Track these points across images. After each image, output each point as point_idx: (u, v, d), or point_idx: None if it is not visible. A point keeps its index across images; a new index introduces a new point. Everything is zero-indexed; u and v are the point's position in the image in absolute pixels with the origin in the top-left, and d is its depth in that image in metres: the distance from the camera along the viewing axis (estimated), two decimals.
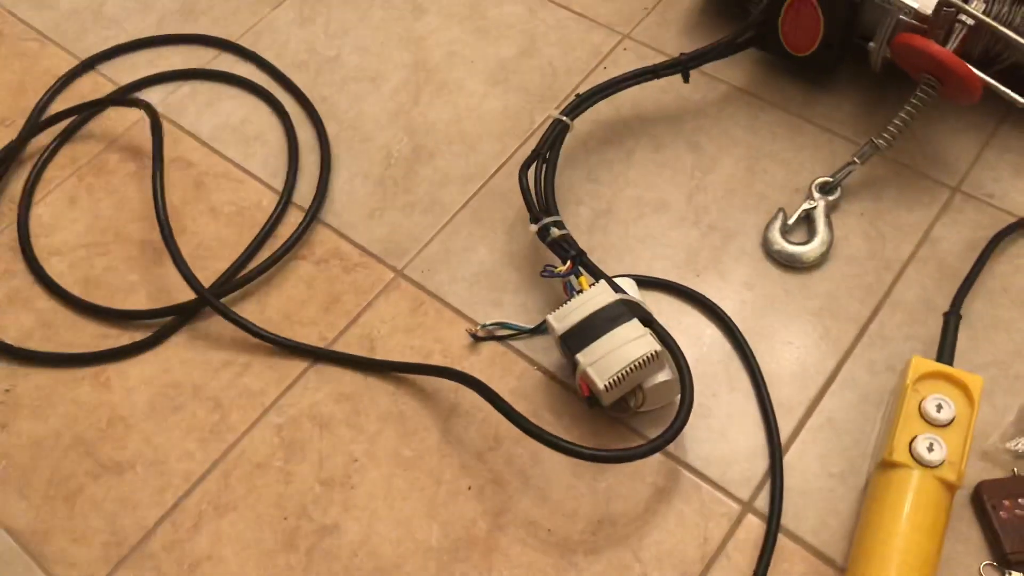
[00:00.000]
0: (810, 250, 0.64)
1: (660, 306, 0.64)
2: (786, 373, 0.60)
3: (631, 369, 0.54)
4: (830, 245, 0.64)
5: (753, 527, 0.55)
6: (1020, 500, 0.53)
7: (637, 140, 0.72)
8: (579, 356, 0.56)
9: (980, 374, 0.58)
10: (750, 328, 0.62)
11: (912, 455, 0.52)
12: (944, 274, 0.63)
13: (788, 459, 0.57)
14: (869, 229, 0.66)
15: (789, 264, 0.64)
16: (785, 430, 0.58)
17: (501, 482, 0.57)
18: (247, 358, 0.63)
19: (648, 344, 0.55)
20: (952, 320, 0.58)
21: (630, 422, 0.59)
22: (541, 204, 0.64)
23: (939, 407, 0.53)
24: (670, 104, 0.74)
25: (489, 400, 0.56)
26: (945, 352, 0.57)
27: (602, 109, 0.73)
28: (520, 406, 0.60)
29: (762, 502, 0.56)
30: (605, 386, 0.54)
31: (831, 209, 0.66)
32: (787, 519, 0.55)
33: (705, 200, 0.68)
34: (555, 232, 0.61)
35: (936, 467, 0.51)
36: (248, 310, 0.65)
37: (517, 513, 0.56)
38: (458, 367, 0.61)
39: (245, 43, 0.81)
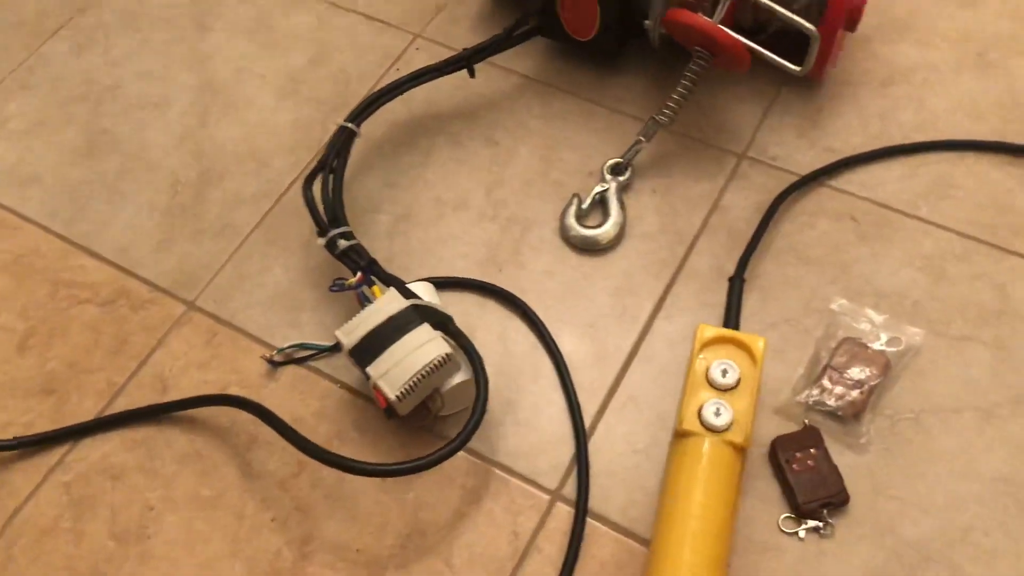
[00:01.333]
0: (604, 232, 0.64)
1: (463, 305, 0.63)
2: (588, 356, 0.60)
3: (422, 376, 0.53)
4: (623, 225, 0.65)
5: (563, 515, 0.55)
6: (811, 451, 0.54)
7: (433, 140, 0.71)
8: (369, 369, 0.54)
9: (772, 332, 0.60)
10: (552, 316, 0.62)
11: (701, 422, 0.52)
12: (735, 240, 0.64)
13: (594, 442, 0.57)
14: (661, 204, 0.66)
15: (586, 248, 0.65)
16: (590, 412, 0.58)
17: (306, 508, 0.55)
18: (30, 416, 0.60)
19: (438, 348, 0.54)
20: (736, 284, 0.59)
21: (436, 428, 0.58)
22: (330, 216, 0.62)
23: (724, 372, 0.53)
24: (465, 100, 0.73)
25: (262, 418, 0.54)
26: (731, 317, 0.58)
27: (397, 111, 0.72)
28: (323, 427, 0.58)
29: (571, 489, 0.55)
30: (397, 396, 0.53)
31: (623, 189, 0.67)
32: (595, 502, 0.55)
33: (504, 194, 0.68)
34: (343, 243, 0.60)
35: (724, 431, 0.52)
36: (27, 364, 0.62)
37: (324, 538, 0.54)
38: (256, 396, 0.59)
39: (15, 81, 0.77)
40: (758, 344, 0.54)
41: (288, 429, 0.53)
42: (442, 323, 0.56)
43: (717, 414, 0.52)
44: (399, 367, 0.53)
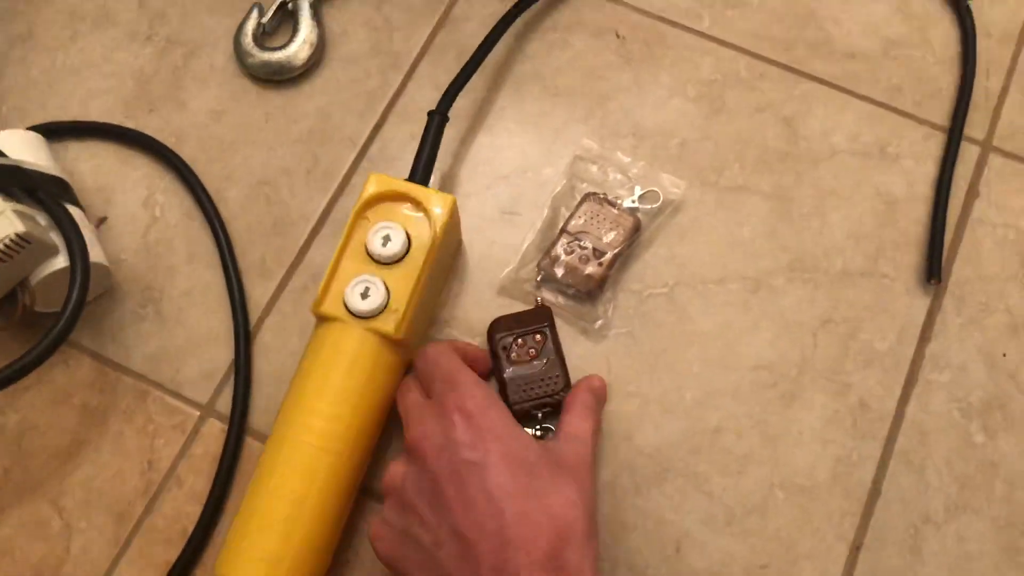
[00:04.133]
0: (291, 55, 0.48)
1: (97, 160, 0.47)
2: (262, 224, 0.46)
3: None
4: (318, 44, 0.49)
5: (215, 436, 0.42)
6: (536, 337, 0.43)
7: None
8: None
9: (502, 186, 0.46)
10: (217, 172, 0.46)
11: (345, 304, 0.39)
12: None
13: (262, 338, 0.44)
14: (373, 16, 0.50)
15: (270, 77, 0.48)
16: (259, 301, 0.44)
17: None
18: None
19: (6, 226, 0.39)
20: (434, 121, 0.43)
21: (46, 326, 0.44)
22: None
23: (385, 240, 0.39)
24: None
25: None
26: (419, 166, 0.42)
27: None
28: None
29: (227, 402, 0.43)
30: None
31: None
32: (259, 416, 0.42)
33: (162, 4, 0.50)
34: None
35: (373, 317, 0.38)
36: None
37: None
38: None
39: None
40: (439, 202, 0.40)
41: None
42: (31, 189, 0.41)
43: (365, 295, 0.38)
44: None
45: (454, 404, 0.35)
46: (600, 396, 0.41)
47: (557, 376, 0.42)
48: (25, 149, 0.43)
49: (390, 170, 0.47)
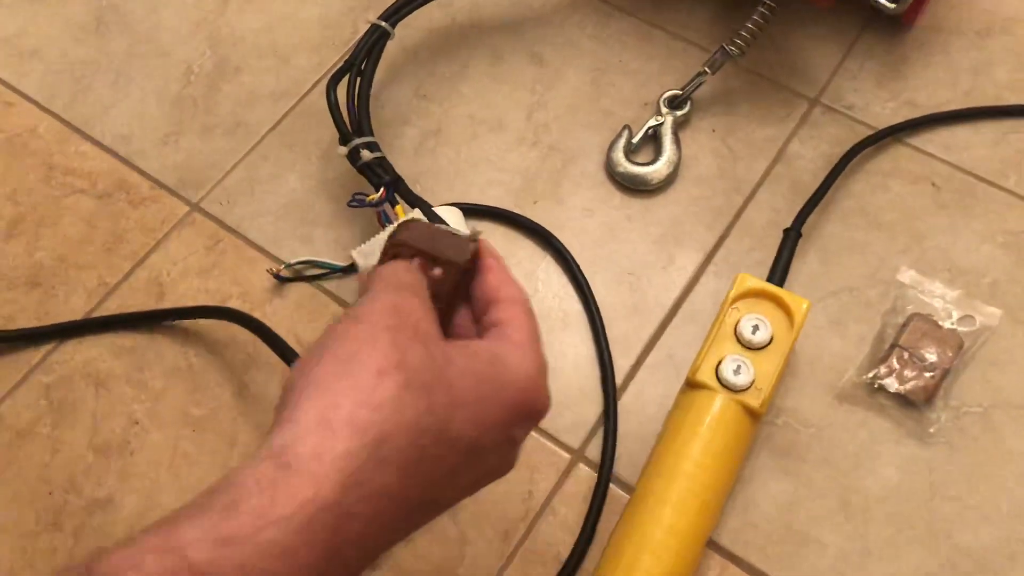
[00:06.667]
0: (655, 171, 0.58)
1: (492, 237, 0.57)
2: (625, 306, 0.54)
3: None
4: (677, 165, 0.58)
5: (583, 478, 0.50)
6: (436, 271, 0.34)
7: (473, 51, 0.64)
8: None
9: (831, 301, 0.54)
10: (588, 259, 0.56)
11: (717, 377, 0.47)
12: (798, 194, 0.57)
13: (624, 401, 0.52)
14: (720, 146, 0.60)
15: (633, 187, 0.58)
16: (622, 369, 0.53)
17: None
18: (11, 309, 0.55)
19: None
20: (790, 238, 0.52)
21: None
22: (354, 123, 0.56)
23: (755, 328, 0.47)
24: (511, 11, 0.66)
25: (262, 337, 0.50)
26: (777, 271, 0.51)
27: (435, 16, 0.65)
28: None
29: (594, 450, 0.50)
30: None
31: (680, 125, 0.60)
32: (620, 467, 0.50)
33: (546, 118, 0.61)
34: (367, 155, 0.54)
35: (740, 391, 0.46)
36: (12, 251, 0.56)
37: None
38: (258, 312, 0.54)
39: None
40: (801, 306, 0.48)
41: (289, 351, 0.48)
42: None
43: (737, 372, 0.46)
44: None
45: None
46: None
47: None
48: (455, 221, 0.53)
49: (732, 275, 0.54)
